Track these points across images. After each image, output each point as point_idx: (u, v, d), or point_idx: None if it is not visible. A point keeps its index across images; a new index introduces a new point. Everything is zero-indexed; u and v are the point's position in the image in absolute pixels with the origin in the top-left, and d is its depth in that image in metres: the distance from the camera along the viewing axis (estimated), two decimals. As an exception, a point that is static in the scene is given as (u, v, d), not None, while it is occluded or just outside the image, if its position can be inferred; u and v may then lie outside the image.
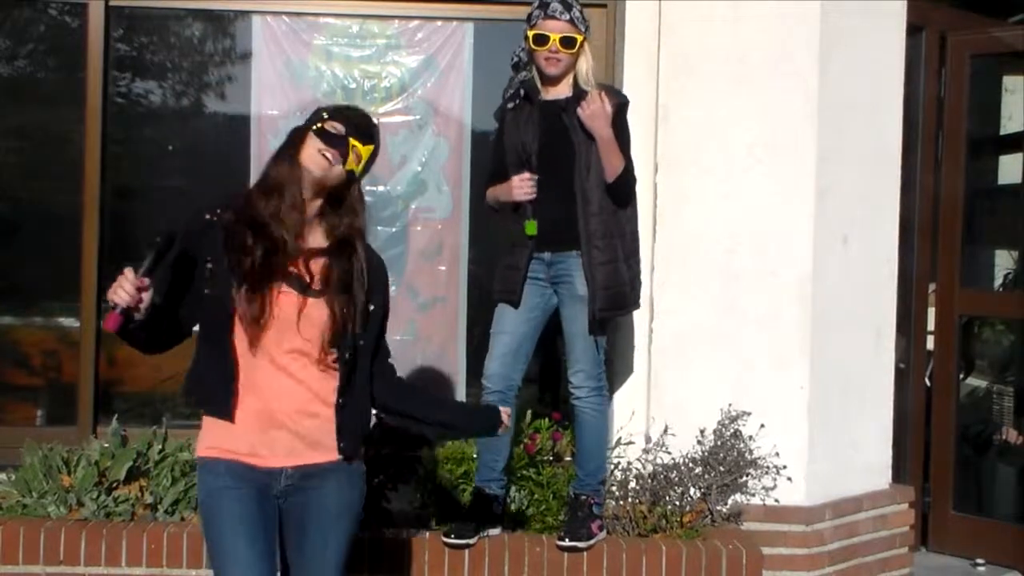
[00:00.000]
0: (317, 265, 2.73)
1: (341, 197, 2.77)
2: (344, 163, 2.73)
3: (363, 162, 2.78)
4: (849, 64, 4.50)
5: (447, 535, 3.81)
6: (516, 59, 3.89)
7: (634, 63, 4.47)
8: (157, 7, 4.81)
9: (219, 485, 2.69)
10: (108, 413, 4.55)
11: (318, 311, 2.70)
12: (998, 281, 5.77)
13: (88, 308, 4.65)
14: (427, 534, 3.91)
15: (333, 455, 2.75)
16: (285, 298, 2.68)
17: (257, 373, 2.69)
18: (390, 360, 2.90)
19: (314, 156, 2.72)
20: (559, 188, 3.77)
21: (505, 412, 2.99)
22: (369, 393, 2.82)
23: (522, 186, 3.74)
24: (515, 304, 3.82)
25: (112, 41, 4.74)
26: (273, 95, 4.82)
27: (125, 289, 2.53)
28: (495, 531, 3.91)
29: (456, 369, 4.88)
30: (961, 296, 5.30)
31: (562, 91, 3.80)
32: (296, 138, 2.76)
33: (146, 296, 2.56)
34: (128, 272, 2.55)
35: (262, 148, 4.73)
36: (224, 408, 2.70)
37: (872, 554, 4.60)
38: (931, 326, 5.35)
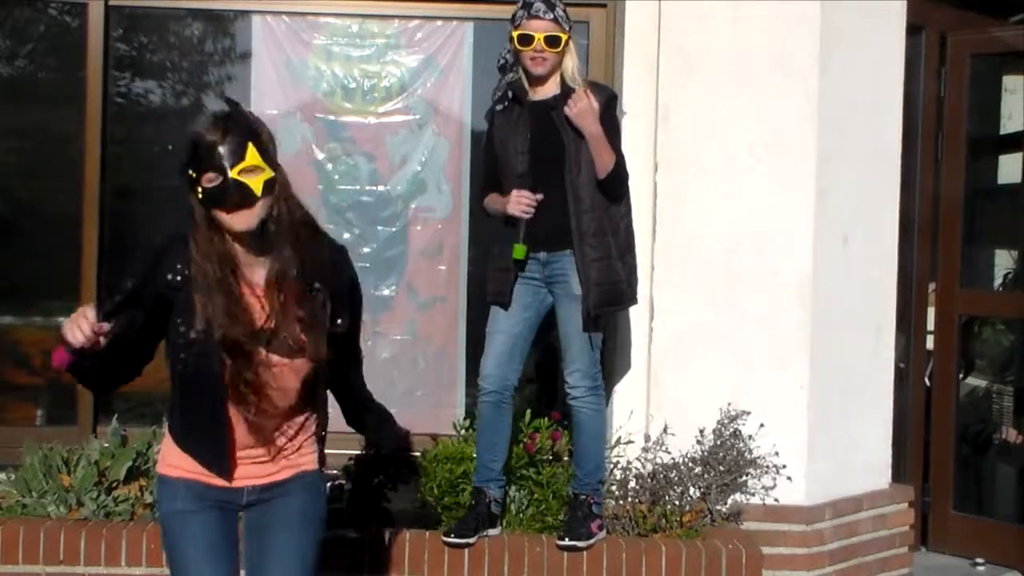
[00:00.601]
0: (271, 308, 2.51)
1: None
2: (256, 199, 2.42)
3: (262, 163, 2.44)
4: (849, 64, 4.50)
5: (447, 535, 3.81)
6: (502, 61, 3.89)
7: (634, 63, 4.47)
8: (157, 7, 4.81)
9: (178, 508, 2.62)
10: (108, 413, 4.55)
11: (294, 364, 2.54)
12: (998, 281, 5.77)
13: (88, 308, 4.64)
14: (427, 534, 3.91)
15: (297, 469, 2.68)
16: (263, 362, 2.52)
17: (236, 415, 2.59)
18: (358, 362, 2.79)
19: (229, 223, 2.43)
20: (552, 188, 3.76)
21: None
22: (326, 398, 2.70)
23: (520, 202, 3.74)
24: (504, 305, 3.82)
25: (112, 41, 4.74)
26: (273, 95, 4.82)
27: (83, 330, 2.34)
28: (495, 531, 3.91)
29: (456, 369, 4.88)
30: (961, 296, 5.30)
31: (550, 90, 3.80)
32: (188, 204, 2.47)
33: (102, 341, 2.38)
34: (88, 312, 2.36)
35: (262, 148, 4.72)
36: (220, 465, 2.60)
37: (872, 554, 4.60)
38: (931, 326, 5.35)
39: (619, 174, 3.80)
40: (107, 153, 4.68)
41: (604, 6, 4.64)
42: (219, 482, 2.62)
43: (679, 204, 4.40)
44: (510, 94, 3.83)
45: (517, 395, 3.93)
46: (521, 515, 4.04)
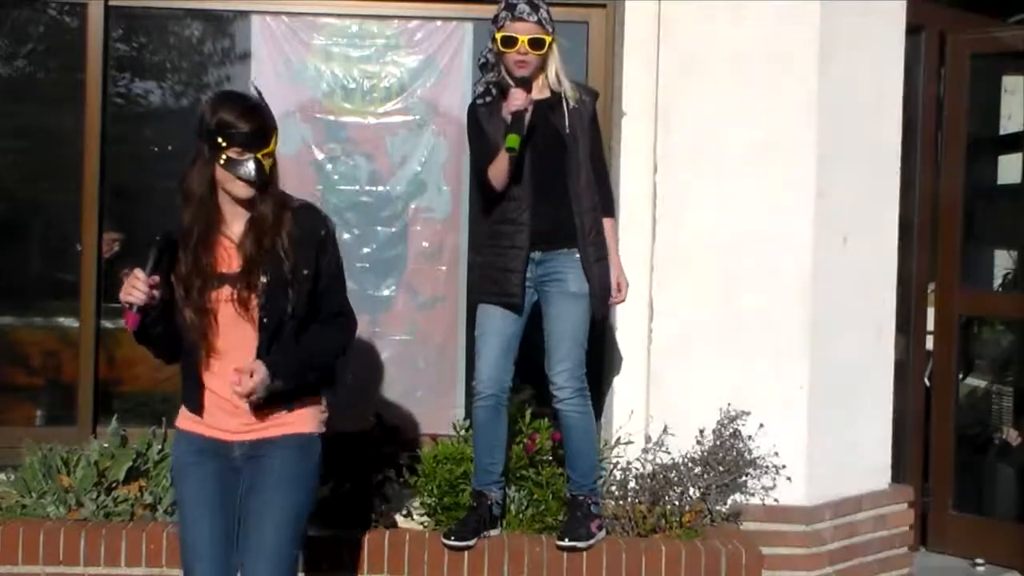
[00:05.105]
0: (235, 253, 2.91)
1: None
2: (266, 178, 2.88)
3: (274, 151, 2.91)
4: (849, 64, 4.50)
5: (447, 536, 3.80)
6: (483, 60, 3.87)
7: (634, 63, 4.47)
8: (157, 7, 4.80)
9: (180, 459, 2.97)
10: (108, 413, 4.55)
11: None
12: (998, 281, 5.77)
13: (88, 308, 4.65)
14: (427, 534, 3.91)
15: (288, 429, 2.93)
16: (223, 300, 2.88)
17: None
18: (335, 313, 3.02)
19: (236, 189, 2.88)
20: (551, 188, 3.76)
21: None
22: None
23: (517, 97, 3.65)
24: (516, 308, 3.79)
25: (112, 41, 4.74)
26: (272, 95, 4.75)
27: (138, 288, 2.69)
28: (494, 532, 3.90)
29: (456, 369, 4.88)
30: (961, 296, 5.30)
31: (538, 92, 3.77)
32: (198, 154, 2.89)
33: (156, 294, 2.73)
34: (137, 271, 2.70)
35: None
36: (194, 403, 2.95)
37: (872, 554, 4.60)
38: (931, 326, 5.35)
39: (611, 194, 3.93)
40: (107, 153, 4.67)
41: (604, 6, 4.63)
42: (212, 433, 2.92)
43: (679, 204, 4.39)
44: (494, 91, 3.81)
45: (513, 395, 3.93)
46: (521, 516, 4.04)
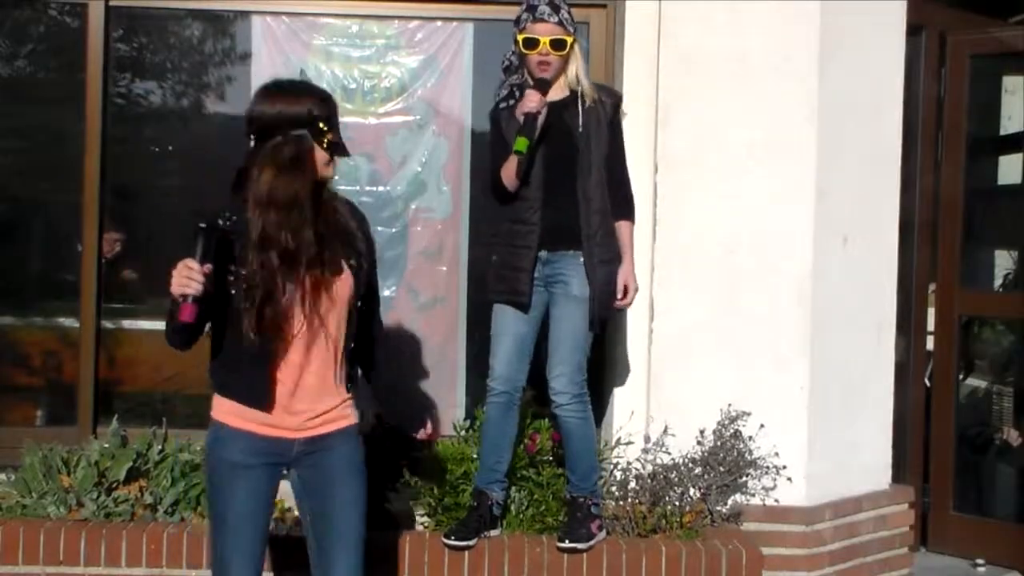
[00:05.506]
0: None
1: None
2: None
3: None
4: (849, 64, 4.50)
5: (447, 536, 3.81)
6: (507, 63, 3.89)
7: (634, 63, 4.47)
8: (157, 7, 4.81)
9: (231, 458, 2.85)
10: (108, 413, 4.56)
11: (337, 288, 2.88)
12: (998, 281, 5.76)
13: (88, 308, 4.65)
14: (427, 534, 3.91)
15: (340, 424, 2.94)
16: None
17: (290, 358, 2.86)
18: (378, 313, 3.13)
19: (324, 169, 2.86)
20: (561, 188, 3.77)
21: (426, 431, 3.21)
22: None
23: (531, 98, 3.68)
24: (524, 307, 3.81)
25: (112, 41, 4.74)
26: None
27: (195, 278, 2.63)
28: (495, 532, 3.91)
29: (456, 369, 4.88)
30: (961, 296, 5.30)
31: (556, 92, 3.79)
32: (301, 149, 2.80)
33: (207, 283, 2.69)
34: (189, 262, 2.64)
35: (261, 148, 4.73)
36: (262, 399, 2.84)
37: (872, 554, 4.60)
38: (931, 326, 5.35)
39: (631, 198, 3.91)
40: (107, 153, 4.67)
41: (604, 6, 4.64)
42: (274, 432, 2.86)
43: (679, 204, 4.39)
44: (517, 93, 3.82)
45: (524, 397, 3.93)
46: (521, 516, 4.04)
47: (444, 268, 4.90)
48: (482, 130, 4.76)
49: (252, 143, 2.83)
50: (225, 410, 2.89)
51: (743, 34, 4.39)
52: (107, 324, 4.74)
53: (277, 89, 2.87)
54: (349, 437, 2.96)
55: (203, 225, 2.69)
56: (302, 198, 2.78)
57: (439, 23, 4.86)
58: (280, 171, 2.78)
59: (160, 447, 4.19)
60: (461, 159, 4.88)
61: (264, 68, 4.81)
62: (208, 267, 2.66)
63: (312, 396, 2.89)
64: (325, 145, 2.83)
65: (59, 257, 4.87)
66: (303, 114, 2.80)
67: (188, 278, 2.63)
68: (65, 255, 4.76)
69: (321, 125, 2.82)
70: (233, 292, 2.77)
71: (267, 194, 2.76)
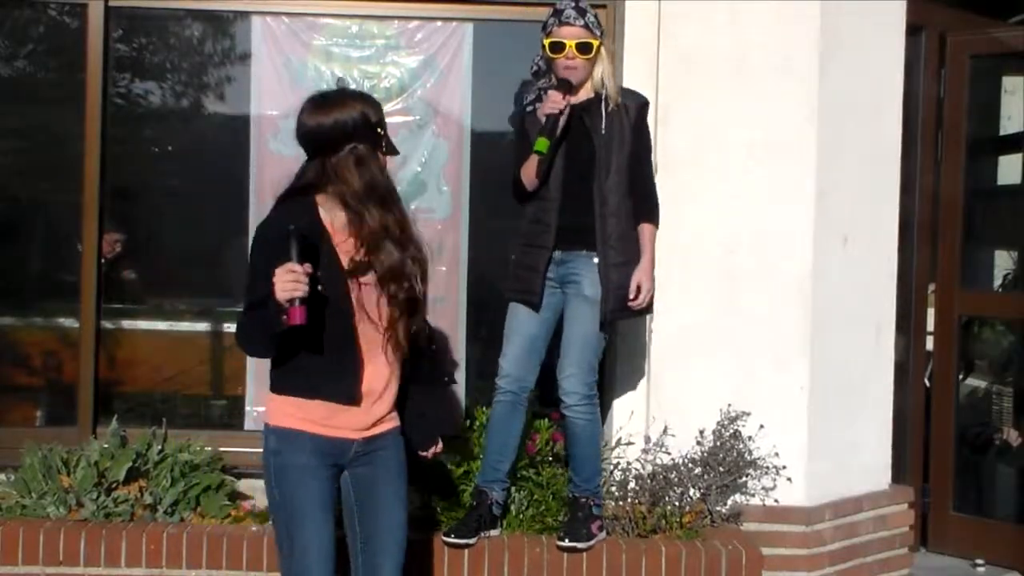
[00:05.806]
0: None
1: None
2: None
3: None
4: (849, 64, 4.50)
5: (447, 535, 3.81)
6: (536, 67, 3.90)
7: (634, 63, 4.47)
8: (157, 7, 4.80)
9: (301, 461, 2.88)
10: (108, 413, 4.55)
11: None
12: (998, 281, 5.76)
13: (88, 308, 4.64)
14: (427, 534, 3.91)
15: (390, 425, 3.01)
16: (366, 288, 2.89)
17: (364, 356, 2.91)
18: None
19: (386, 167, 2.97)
20: (579, 190, 3.79)
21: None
22: None
23: (553, 100, 3.69)
24: (535, 306, 3.82)
25: (112, 41, 4.73)
26: (273, 96, 4.81)
27: (301, 280, 2.66)
28: (495, 532, 3.91)
29: (456, 369, 4.87)
30: (961, 296, 5.30)
31: (581, 94, 3.81)
32: (369, 149, 2.89)
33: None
34: (292, 266, 2.66)
35: (261, 148, 4.73)
36: (352, 394, 2.89)
37: (872, 554, 4.60)
38: (931, 326, 5.35)
39: (655, 201, 3.91)
40: (107, 153, 4.67)
41: (604, 6, 4.63)
42: (338, 433, 2.90)
43: (679, 204, 4.39)
44: (543, 96, 3.81)
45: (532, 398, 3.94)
46: (521, 516, 4.04)
47: (444, 268, 4.89)
48: (482, 130, 4.77)
49: (310, 158, 2.91)
50: (288, 413, 2.90)
51: (743, 34, 4.39)
52: (107, 324, 4.74)
53: (324, 100, 2.90)
54: (397, 438, 3.04)
55: (291, 227, 2.71)
56: (396, 192, 2.92)
57: (439, 23, 4.85)
58: (368, 169, 2.87)
59: (160, 447, 4.19)
60: (461, 159, 4.87)
61: (264, 68, 4.80)
62: (308, 267, 2.68)
63: (383, 396, 2.96)
64: (384, 146, 2.92)
65: (59, 257, 4.87)
66: (359, 120, 2.86)
67: (294, 281, 2.65)
68: (65, 255, 4.76)
69: (379, 130, 2.91)
70: (321, 289, 2.77)
71: (365, 188, 2.85)
